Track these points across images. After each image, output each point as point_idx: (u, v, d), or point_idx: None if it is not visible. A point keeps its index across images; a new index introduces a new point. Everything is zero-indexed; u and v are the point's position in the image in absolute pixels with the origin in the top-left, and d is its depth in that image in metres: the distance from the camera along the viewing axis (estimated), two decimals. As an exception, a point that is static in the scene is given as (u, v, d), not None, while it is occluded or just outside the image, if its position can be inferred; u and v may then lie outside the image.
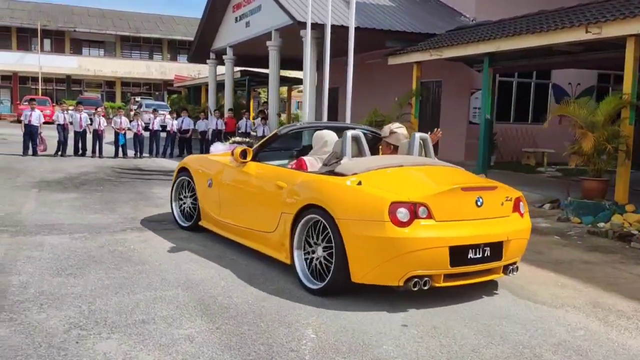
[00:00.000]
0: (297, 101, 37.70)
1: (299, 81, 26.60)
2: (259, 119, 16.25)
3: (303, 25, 13.06)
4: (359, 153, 4.94)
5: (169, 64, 42.43)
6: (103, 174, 11.23)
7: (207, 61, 23.13)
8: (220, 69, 23.46)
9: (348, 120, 10.42)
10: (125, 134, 14.72)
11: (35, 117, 13.66)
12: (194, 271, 4.81)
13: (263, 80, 27.37)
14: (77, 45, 41.82)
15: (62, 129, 14.11)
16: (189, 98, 37.88)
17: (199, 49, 23.03)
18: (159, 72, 41.47)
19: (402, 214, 4.00)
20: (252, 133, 16.15)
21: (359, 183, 4.33)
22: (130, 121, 15.33)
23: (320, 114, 12.29)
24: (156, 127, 15.45)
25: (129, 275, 4.61)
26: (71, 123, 14.26)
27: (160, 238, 5.96)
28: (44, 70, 37.51)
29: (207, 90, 36.25)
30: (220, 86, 25.96)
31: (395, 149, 5.42)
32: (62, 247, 5.38)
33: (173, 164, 12.88)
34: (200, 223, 6.10)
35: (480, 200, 4.30)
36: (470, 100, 15.38)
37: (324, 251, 4.33)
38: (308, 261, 4.50)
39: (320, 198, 4.40)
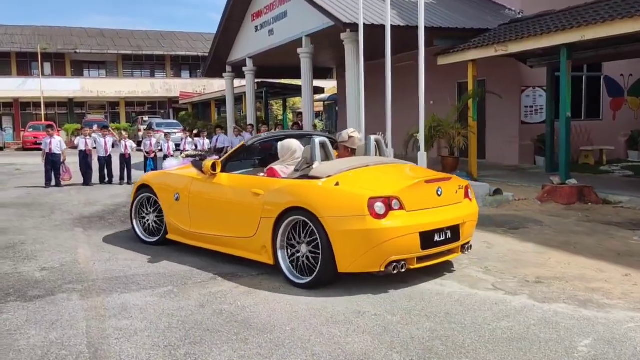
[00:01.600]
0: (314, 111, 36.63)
1: (318, 90, 25.58)
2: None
3: (348, 27, 12.05)
4: (327, 157, 5.41)
5: (172, 80, 41.38)
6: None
7: (224, 74, 22.04)
8: (235, 82, 22.46)
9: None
10: (155, 157, 13.58)
11: (56, 144, 12.51)
12: (346, 337, 3.67)
13: (278, 91, 26.44)
14: (78, 66, 40.73)
15: (85, 155, 12.97)
16: (197, 114, 36.85)
17: (214, 62, 21.94)
18: (163, 90, 40.40)
19: (379, 207, 4.52)
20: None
21: (337, 184, 4.80)
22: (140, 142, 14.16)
23: (359, 121, 11.24)
24: (171, 150, 13.97)
25: (265, 352, 3.48)
26: (94, 148, 13.14)
27: (266, 286, 4.83)
28: (46, 94, 36.42)
29: (216, 106, 35.46)
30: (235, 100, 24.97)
31: (352, 152, 6.00)
32: (153, 311, 4.25)
33: None
34: (168, 237, 6.25)
35: (440, 190, 4.95)
36: (521, 99, 14.32)
37: (308, 248, 4.74)
38: (291, 259, 4.90)
39: (303, 200, 4.80)
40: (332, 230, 4.55)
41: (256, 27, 18.46)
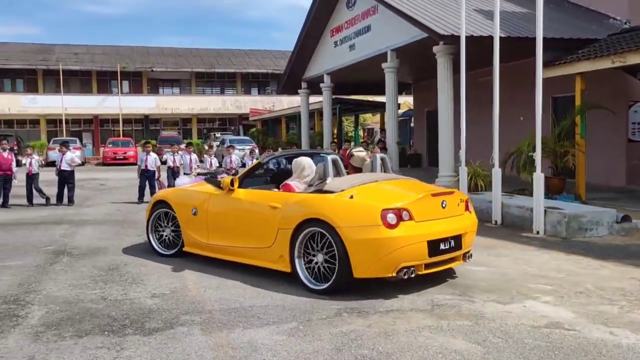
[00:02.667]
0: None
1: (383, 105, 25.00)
2: (377, 149, 14.58)
3: (443, 39, 11.45)
4: (338, 173, 5.85)
5: (243, 97, 41.98)
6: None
7: (299, 91, 21.89)
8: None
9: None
10: (236, 173, 13.34)
11: (151, 161, 12.54)
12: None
13: (351, 107, 26.05)
14: (154, 84, 42.14)
15: (172, 171, 12.94)
16: (267, 131, 37.10)
17: (289, 79, 21.85)
18: (234, 107, 41.03)
19: (391, 218, 4.94)
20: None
21: (351, 197, 5.23)
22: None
23: (458, 140, 10.57)
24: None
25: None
26: (181, 165, 13.10)
27: (402, 326, 4.26)
28: (124, 111, 37.81)
29: (287, 122, 35.57)
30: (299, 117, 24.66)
31: (357, 169, 6.57)
32: (286, 353, 3.79)
33: None
34: (184, 249, 6.64)
35: (444, 203, 5.39)
36: (628, 114, 13.15)
37: (324, 257, 5.14)
38: (308, 267, 5.29)
39: (320, 212, 5.20)
40: (348, 239, 4.97)
41: (335, 42, 18.16)
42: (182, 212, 6.64)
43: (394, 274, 4.96)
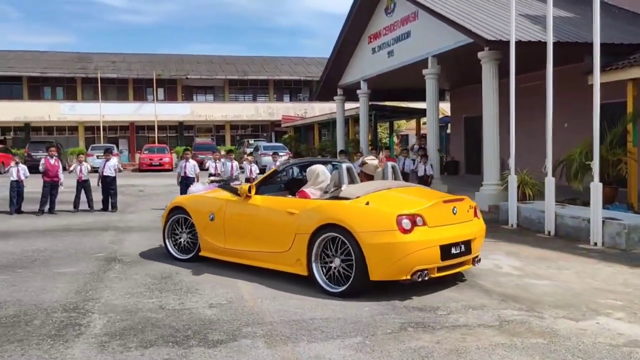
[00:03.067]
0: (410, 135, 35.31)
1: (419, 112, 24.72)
2: (418, 157, 14.36)
3: (489, 44, 11.23)
4: (352, 181, 6.11)
5: (275, 104, 42.21)
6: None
7: (335, 98, 21.82)
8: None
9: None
10: None
11: (190, 167, 12.61)
12: None
13: (386, 114, 25.87)
14: (189, 92, 42.72)
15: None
16: (300, 138, 37.17)
17: (325, 86, 21.80)
18: (267, 114, 41.27)
19: (406, 223, 5.17)
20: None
21: (367, 203, 5.45)
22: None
23: (507, 146, 10.29)
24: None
25: None
26: (222, 172, 13.12)
27: (472, 344, 4.10)
28: (159, 118, 38.39)
29: (319, 130, 35.55)
30: (334, 123, 24.42)
31: (369, 177, 6.79)
32: (358, 370, 3.66)
33: None
34: (201, 254, 6.88)
35: (455, 209, 5.63)
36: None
37: (341, 261, 5.35)
38: (325, 270, 5.49)
39: (338, 217, 5.42)
40: (364, 244, 5.20)
41: (373, 49, 18.03)
42: (199, 218, 6.88)
43: (409, 277, 5.20)
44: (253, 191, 6.39)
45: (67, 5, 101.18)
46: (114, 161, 13.11)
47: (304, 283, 5.76)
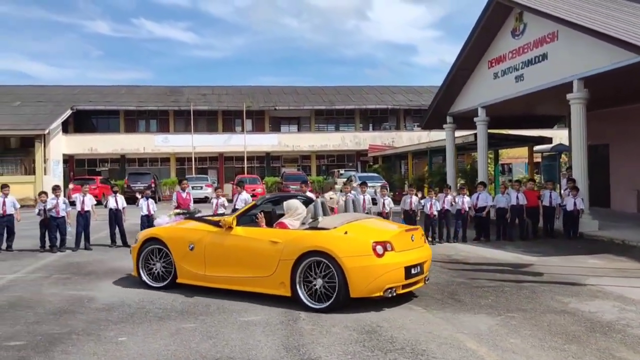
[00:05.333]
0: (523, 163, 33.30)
1: (531, 139, 23.21)
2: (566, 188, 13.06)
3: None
4: (325, 213, 7.40)
5: (361, 133, 41.62)
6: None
7: (444, 126, 20.85)
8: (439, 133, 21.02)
9: None
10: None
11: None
12: None
13: (495, 142, 24.45)
14: (276, 122, 43.01)
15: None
16: (390, 167, 36.26)
17: (434, 114, 20.90)
18: (353, 143, 40.73)
19: (379, 249, 6.28)
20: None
21: (346, 232, 6.55)
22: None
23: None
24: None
25: None
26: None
27: None
28: (247, 149, 38.72)
29: (413, 159, 34.47)
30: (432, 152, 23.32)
31: (333, 209, 9.03)
32: None
33: (501, 255, 10.24)
34: (178, 281, 7.44)
35: (413, 237, 6.85)
36: None
37: (324, 282, 6.32)
38: (308, 290, 6.42)
39: (322, 245, 6.40)
40: (346, 267, 6.14)
41: (495, 74, 17.00)
42: (178, 248, 7.47)
43: (382, 293, 6.23)
44: (234, 223, 7.15)
45: (144, 43, 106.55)
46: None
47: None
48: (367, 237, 6.38)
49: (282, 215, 7.57)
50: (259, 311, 6.41)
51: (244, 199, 11.72)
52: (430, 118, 21.31)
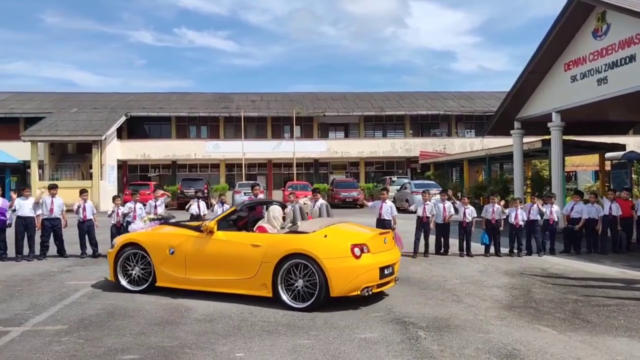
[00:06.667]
0: (591, 171, 31.95)
1: (604, 146, 22.11)
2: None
3: None
4: (303, 218, 7.88)
5: (412, 140, 40.84)
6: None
7: (511, 132, 20.02)
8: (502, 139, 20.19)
9: None
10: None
11: (386, 209, 11.32)
12: None
13: (566, 149, 23.42)
14: (324, 129, 42.70)
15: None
16: (444, 174, 35.43)
17: (500, 120, 20.11)
18: (403, 150, 39.98)
19: (357, 251, 6.66)
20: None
21: (325, 236, 6.92)
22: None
23: None
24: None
25: None
26: (432, 215, 11.82)
27: None
28: (296, 155, 38.53)
29: (469, 165, 33.57)
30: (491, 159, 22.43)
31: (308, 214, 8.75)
32: None
33: (603, 269, 9.51)
34: (157, 284, 7.62)
35: (385, 239, 7.30)
36: None
37: (304, 282, 6.65)
38: (289, 291, 6.73)
39: (304, 248, 6.72)
40: (327, 268, 6.54)
41: (573, 77, 16.15)
42: (157, 253, 7.60)
43: (359, 292, 6.61)
44: (215, 228, 7.38)
45: (186, 52, 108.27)
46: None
47: None
48: (345, 240, 6.78)
49: (258, 219, 8.00)
50: (371, 328, 5.98)
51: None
52: (496, 124, 20.52)
